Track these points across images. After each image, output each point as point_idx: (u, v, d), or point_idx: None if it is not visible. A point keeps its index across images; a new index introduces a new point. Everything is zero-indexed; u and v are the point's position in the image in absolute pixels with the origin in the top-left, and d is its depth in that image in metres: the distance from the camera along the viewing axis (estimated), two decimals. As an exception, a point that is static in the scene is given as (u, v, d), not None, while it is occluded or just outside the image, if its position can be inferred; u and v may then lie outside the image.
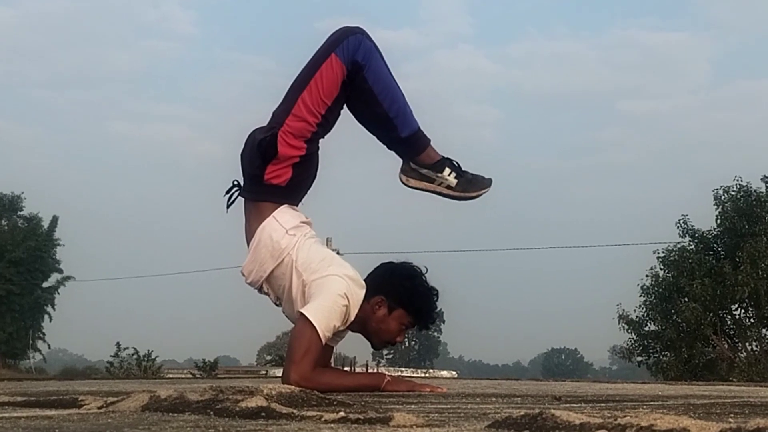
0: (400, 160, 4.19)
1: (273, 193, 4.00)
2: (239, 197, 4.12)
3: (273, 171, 3.94)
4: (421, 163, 4.14)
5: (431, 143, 4.15)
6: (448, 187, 4.15)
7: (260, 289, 4.10)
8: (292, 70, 4.04)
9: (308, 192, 4.15)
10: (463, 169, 4.17)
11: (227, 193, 4.15)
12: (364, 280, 4.00)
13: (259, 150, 3.93)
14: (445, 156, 4.16)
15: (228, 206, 4.14)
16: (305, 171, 4.03)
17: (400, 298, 4.01)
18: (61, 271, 45.61)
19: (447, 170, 4.14)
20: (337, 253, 4.31)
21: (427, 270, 4.14)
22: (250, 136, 4.05)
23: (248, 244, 4.05)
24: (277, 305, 4.12)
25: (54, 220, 45.53)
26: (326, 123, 4.00)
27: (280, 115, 3.97)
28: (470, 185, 4.17)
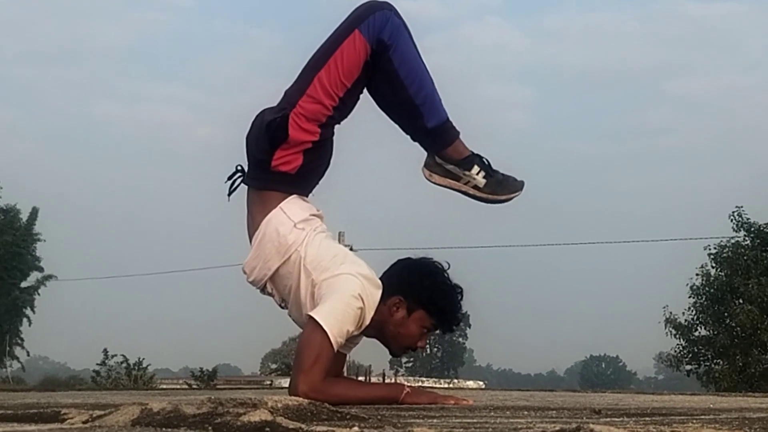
0: (424, 152, 4.18)
1: (281, 182, 4.00)
2: (243, 185, 4.12)
3: (282, 157, 3.94)
4: (448, 158, 4.12)
5: (460, 136, 4.14)
6: (476, 187, 4.13)
7: (263, 289, 4.10)
8: (300, 46, 4.04)
9: (320, 182, 4.15)
10: (494, 168, 4.15)
11: (229, 179, 4.15)
12: (380, 279, 4.00)
13: (268, 132, 3.92)
14: (475, 152, 4.13)
15: (229, 194, 4.14)
16: (318, 158, 4.03)
17: (420, 297, 4.01)
18: (41, 270, 45.88)
19: (475, 168, 4.12)
20: (351, 250, 4.32)
21: (449, 266, 4.13)
22: (257, 117, 4.04)
23: (251, 238, 4.05)
24: (283, 307, 4.12)
25: (34, 213, 45.82)
26: (343, 107, 3.99)
27: (293, 94, 3.96)
28: (500, 187, 4.15)
